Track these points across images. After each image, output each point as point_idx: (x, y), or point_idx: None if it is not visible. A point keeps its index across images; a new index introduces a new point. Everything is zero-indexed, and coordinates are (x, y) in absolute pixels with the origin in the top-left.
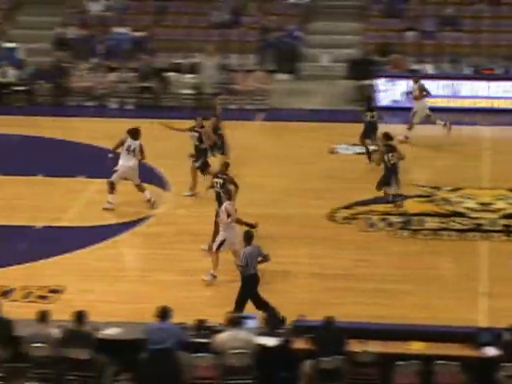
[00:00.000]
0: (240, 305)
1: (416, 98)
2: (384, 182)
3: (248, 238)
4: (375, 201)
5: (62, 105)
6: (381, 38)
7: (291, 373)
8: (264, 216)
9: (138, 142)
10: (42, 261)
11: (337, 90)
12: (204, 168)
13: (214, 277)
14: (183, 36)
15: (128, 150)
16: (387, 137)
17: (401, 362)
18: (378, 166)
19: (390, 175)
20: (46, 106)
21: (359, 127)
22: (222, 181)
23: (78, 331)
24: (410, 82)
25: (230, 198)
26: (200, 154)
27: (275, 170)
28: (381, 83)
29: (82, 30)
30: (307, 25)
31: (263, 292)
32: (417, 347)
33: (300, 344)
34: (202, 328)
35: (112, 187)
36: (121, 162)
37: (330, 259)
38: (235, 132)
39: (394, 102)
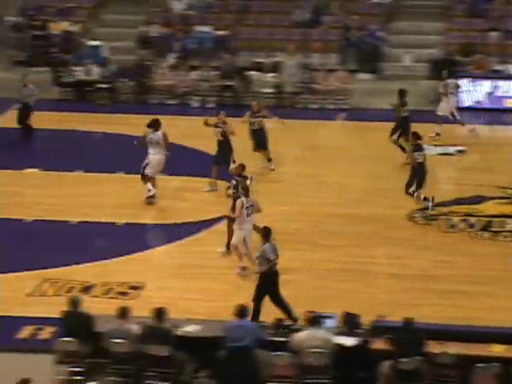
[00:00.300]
0: (258, 301)
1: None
2: (414, 183)
3: (267, 234)
4: (457, 202)
5: (145, 103)
6: (464, 38)
7: (369, 373)
8: (345, 216)
9: (159, 133)
10: (122, 257)
11: (419, 90)
12: (220, 162)
13: (244, 268)
14: (265, 35)
15: (151, 142)
16: (416, 136)
17: (480, 365)
18: (409, 165)
19: (415, 175)
20: (128, 104)
21: (441, 128)
22: (235, 182)
23: (158, 328)
24: (495, 83)
25: (246, 194)
26: (221, 149)
27: (357, 169)
28: (463, 84)
29: (165, 29)
30: (390, 24)
31: (345, 291)
32: (497, 350)
33: (379, 344)
34: (281, 326)
35: (148, 180)
36: (150, 156)
37: (409, 260)
38: (317, 132)
39: (477, 102)
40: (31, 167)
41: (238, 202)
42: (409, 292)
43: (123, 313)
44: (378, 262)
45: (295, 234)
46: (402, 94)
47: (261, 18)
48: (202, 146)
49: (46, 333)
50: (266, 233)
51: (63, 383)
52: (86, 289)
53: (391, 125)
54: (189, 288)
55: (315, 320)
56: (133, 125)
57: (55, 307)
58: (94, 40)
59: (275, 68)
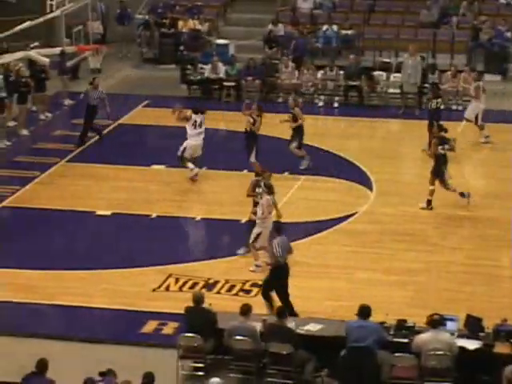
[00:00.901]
0: (266, 295)
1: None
2: (437, 174)
3: (278, 228)
4: None
5: (270, 101)
6: None
7: (491, 377)
8: (468, 218)
9: (203, 116)
10: (246, 255)
11: None
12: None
13: (259, 266)
14: (391, 35)
15: (195, 125)
16: (440, 128)
17: None
18: (431, 158)
19: (439, 166)
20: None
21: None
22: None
23: (280, 326)
24: None
25: (270, 193)
26: (249, 139)
27: (480, 171)
28: None
29: (292, 28)
30: None
31: (468, 294)
32: None
33: (502, 348)
34: (403, 328)
35: (188, 160)
36: (189, 139)
37: None
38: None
39: None
40: (157, 164)
41: (265, 200)
42: None
43: (246, 310)
44: (502, 266)
45: (418, 235)
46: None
47: (387, 17)
48: (328, 145)
49: (170, 328)
50: (276, 227)
51: (186, 378)
52: (210, 285)
53: None
54: (311, 287)
55: (438, 322)
56: None
57: (179, 303)
58: (222, 38)
59: (401, 68)
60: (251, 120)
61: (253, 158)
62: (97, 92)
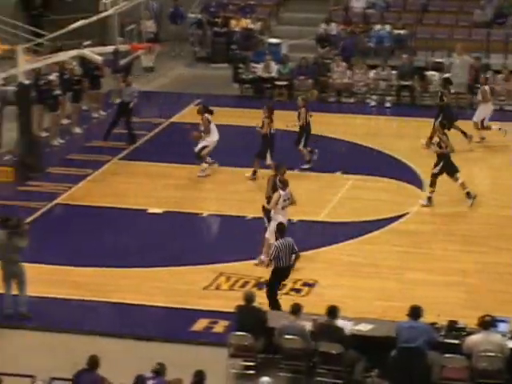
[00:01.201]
0: (272, 298)
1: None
2: (450, 170)
3: (280, 230)
4: None
5: (322, 101)
6: None
7: None
8: None
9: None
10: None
11: None
12: (261, 156)
13: (262, 261)
14: (444, 35)
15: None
16: (443, 126)
17: None
18: (452, 152)
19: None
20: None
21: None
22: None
23: (330, 325)
24: None
25: (283, 188)
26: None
27: None
28: None
29: (345, 27)
30: None
31: None
32: None
33: None
34: (454, 329)
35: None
36: (210, 137)
37: None
38: (495, 134)
39: None
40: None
41: (276, 194)
42: None
43: (296, 309)
44: None
45: (470, 236)
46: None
47: (440, 17)
48: (380, 144)
49: (220, 326)
50: (279, 228)
51: (236, 377)
52: (260, 284)
53: None
54: (361, 287)
55: (489, 323)
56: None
57: (230, 301)
58: (274, 37)
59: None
60: (267, 121)
61: (269, 160)
62: (130, 89)
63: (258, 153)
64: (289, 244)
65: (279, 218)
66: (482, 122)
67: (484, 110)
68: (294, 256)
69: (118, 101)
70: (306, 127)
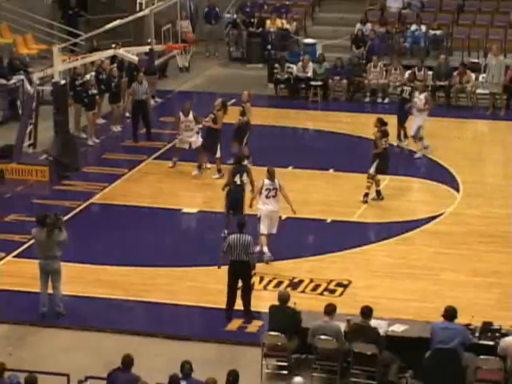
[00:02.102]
0: (228, 293)
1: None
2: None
3: (239, 225)
4: None
5: (357, 101)
6: None
7: None
8: None
9: (189, 118)
10: (330, 254)
11: None
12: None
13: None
14: (480, 35)
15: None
16: (382, 122)
17: None
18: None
19: (380, 160)
20: (340, 102)
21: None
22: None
23: (365, 326)
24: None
25: (270, 178)
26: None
27: None
28: None
29: (381, 27)
30: None
31: None
32: None
33: None
34: (488, 330)
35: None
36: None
37: None
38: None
39: None
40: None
41: (259, 181)
42: None
43: (330, 310)
44: None
45: (504, 237)
46: None
47: (476, 17)
48: (414, 145)
49: (254, 326)
50: (238, 224)
51: (270, 377)
52: (294, 284)
53: None
54: (395, 287)
55: None
56: (344, 123)
57: (263, 301)
58: (309, 38)
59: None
60: (211, 116)
61: (218, 154)
62: (142, 86)
63: (208, 147)
64: (245, 241)
65: (259, 205)
66: (418, 131)
67: (420, 119)
68: (250, 256)
69: (152, 102)
70: (246, 124)
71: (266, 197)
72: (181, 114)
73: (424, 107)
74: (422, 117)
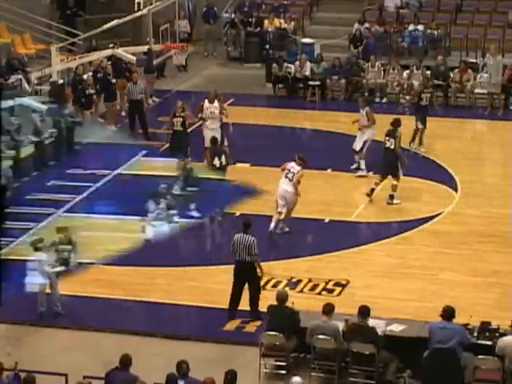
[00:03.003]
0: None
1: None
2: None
3: (243, 224)
4: None
5: (355, 101)
6: None
7: None
8: None
9: (215, 105)
10: (328, 254)
11: None
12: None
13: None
14: (478, 35)
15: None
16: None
17: None
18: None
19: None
20: (338, 102)
21: None
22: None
23: (363, 326)
24: None
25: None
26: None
27: None
28: None
29: (378, 27)
30: None
31: None
32: None
33: None
34: (487, 330)
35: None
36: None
37: None
38: None
39: None
40: (241, 162)
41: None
42: None
43: (328, 309)
44: None
45: (503, 237)
46: None
47: (474, 17)
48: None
49: (252, 326)
50: (244, 223)
51: (268, 376)
52: (293, 284)
53: None
54: (393, 287)
55: None
56: (342, 122)
57: (261, 301)
58: (307, 37)
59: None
60: (179, 119)
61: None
62: (137, 86)
63: (182, 151)
64: (247, 242)
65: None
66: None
67: (366, 134)
68: (252, 258)
69: (150, 101)
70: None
71: (285, 176)
72: (206, 100)
73: (367, 123)
74: (368, 132)
